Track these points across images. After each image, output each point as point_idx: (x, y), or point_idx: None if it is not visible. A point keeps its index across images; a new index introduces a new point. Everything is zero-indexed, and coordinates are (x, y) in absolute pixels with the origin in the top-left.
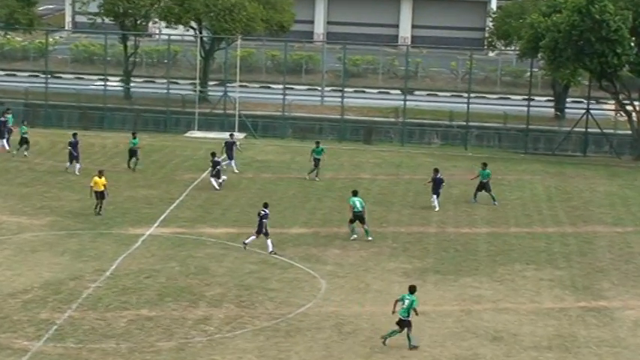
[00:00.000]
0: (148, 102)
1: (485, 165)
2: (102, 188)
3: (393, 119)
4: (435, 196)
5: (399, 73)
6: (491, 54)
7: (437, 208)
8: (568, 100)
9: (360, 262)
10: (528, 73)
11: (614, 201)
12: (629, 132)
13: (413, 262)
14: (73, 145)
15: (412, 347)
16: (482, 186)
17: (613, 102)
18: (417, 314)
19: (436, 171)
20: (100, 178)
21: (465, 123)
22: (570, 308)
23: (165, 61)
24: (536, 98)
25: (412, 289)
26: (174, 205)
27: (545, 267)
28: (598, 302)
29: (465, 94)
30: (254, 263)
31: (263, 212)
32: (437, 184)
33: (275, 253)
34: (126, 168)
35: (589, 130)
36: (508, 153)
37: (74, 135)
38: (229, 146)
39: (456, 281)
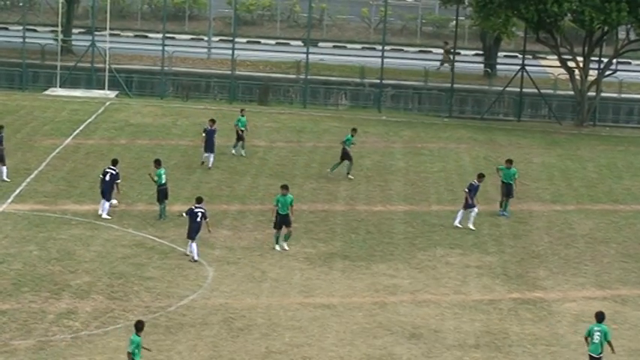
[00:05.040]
0: None
1: (510, 162)
2: None
3: (293, 76)
4: (473, 210)
5: (300, 20)
6: None
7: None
8: (500, 54)
9: (255, 246)
10: (453, 23)
11: (553, 174)
12: (571, 93)
13: (317, 246)
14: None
15: None
16: (508, 190)
17: (552, 57)
18: (613, 350)
19: (481, 177)
20: None
21: (378, 81)
22: (501, 300)
23: (21, 4)
24: (463, 52)
25: (601, 317)
26: (32, 176)
27: (472, 252)
28: (533, 293)
29: (379, 47)
30: (128, 247)
31: (199, 210)
32: (472, 194)
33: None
34: None
35: (524, 90)
36: (429, 117)
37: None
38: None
39: (367, 268)
